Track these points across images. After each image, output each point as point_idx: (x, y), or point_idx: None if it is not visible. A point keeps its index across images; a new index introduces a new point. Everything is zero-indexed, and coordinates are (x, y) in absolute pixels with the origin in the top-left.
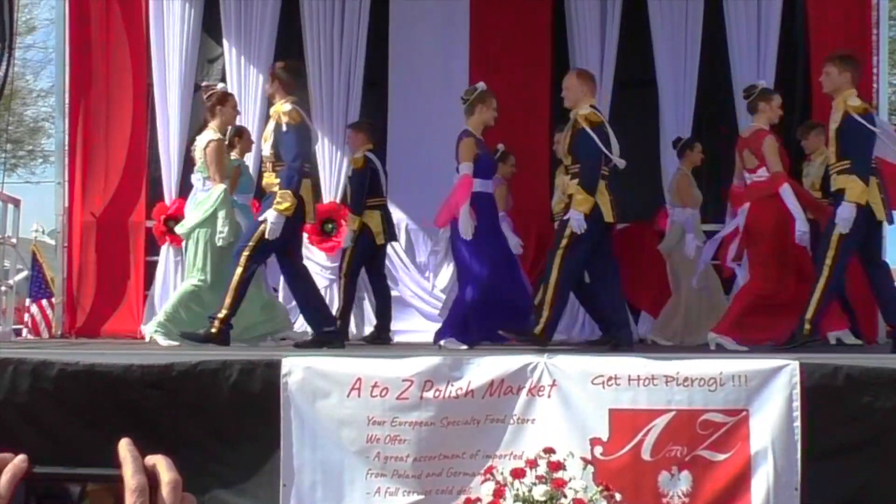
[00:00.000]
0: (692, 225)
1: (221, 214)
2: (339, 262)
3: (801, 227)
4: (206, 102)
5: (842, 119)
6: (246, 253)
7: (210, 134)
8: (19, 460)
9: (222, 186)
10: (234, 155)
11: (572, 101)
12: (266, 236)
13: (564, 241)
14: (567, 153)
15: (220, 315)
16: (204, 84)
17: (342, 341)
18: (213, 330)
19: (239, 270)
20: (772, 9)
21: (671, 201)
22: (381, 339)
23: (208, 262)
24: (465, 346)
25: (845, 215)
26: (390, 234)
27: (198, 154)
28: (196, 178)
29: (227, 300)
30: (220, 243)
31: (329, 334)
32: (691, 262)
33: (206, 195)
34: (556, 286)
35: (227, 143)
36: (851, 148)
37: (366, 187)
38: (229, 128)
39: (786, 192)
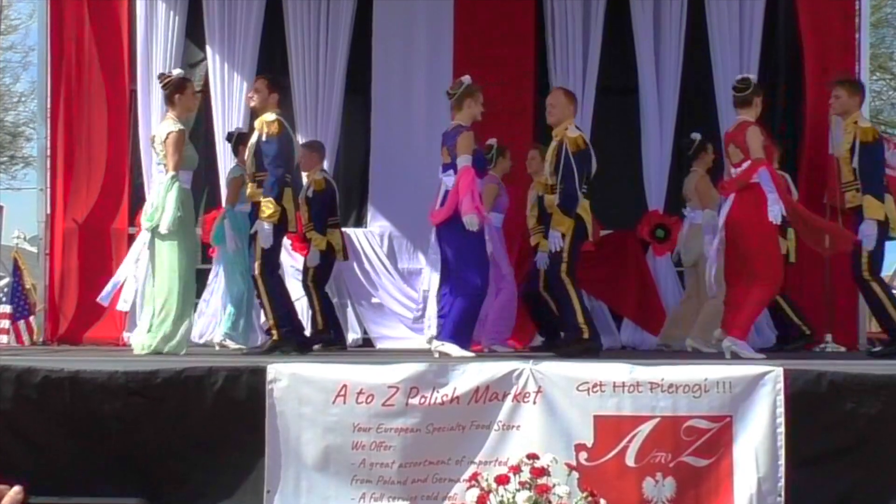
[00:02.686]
0: (714, 225)
1: (169, 199)
2: (303, 277)
3: (773, 204)
4: (164, 91)
5: (853, 140)
6: (258, 272)
7: (170, 125)
8: (15, 492)
9: (172, 174)
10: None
11: (556, 119)
12: (262, 246)
13: (566, 257)
14: (553, 173)
15: (270, 323)
16: (160, 73)
17: (310, 348)
18: (275, 337)
19: (263, 289)
20: (755, 13)
21: (690, 205)
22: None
23: (166, 255)
24: (470, 354)
25: (868, 232)
26: (344, 252)
27: (157, 145)
28: (158, 170)
29: (267, 311)
30: (162, 230)
31: (292, 342)
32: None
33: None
34: (578, 300)
35: (235, 145)
36: (866, 169)
37: (327, 209)
38: (234, 132)
39: (762, 173)
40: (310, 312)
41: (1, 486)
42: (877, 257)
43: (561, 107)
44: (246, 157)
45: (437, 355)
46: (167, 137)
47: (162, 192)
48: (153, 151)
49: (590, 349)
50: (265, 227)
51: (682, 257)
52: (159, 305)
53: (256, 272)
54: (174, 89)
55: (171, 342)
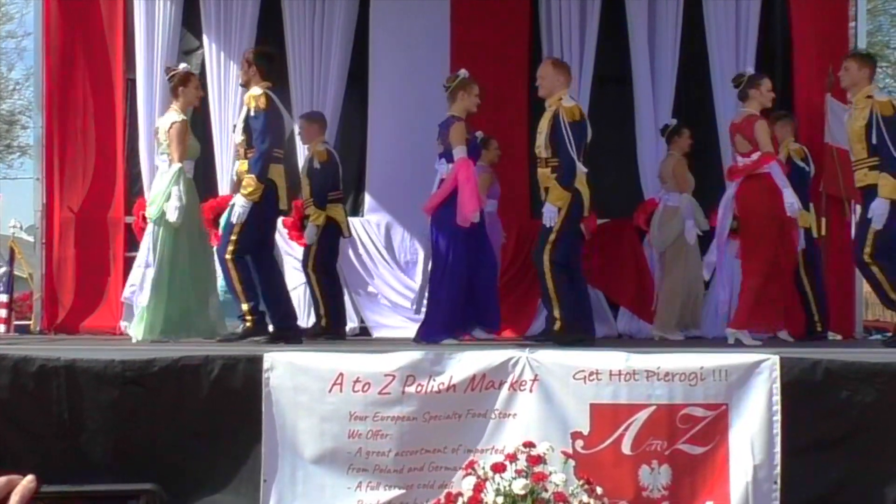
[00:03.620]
0: (692, 210)
1: (174, 191)
2: (304, 259)
3: (790, 198)
4: (169, 83)
5: (870, 115)
6: (229, 250)
7: (173, 115)
8: (28, 481)
9: (178, 165)
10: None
11: (547, 91)
12: (233, 221)
13: (555, 236)
14: (548, 145)
15: (244, 308)
16: (166, 66)
17: (300, 337)
18: (248, 325)
19: (229, 266)
20: (751, 1)
21: (665, 188)
22: (333, 333)
23: (162, 243)
24: (453, 341)
25: (880, 211)
26: (348, 229)
27: (161, 135)
28: (161, 161)
29: (241, 297)
30: (170, 219)
31: (285, 330)
32: (685, 250)
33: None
34: (555, 284)
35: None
36: (883, 145)
37: (330, 181)
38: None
39: (773, 167)
40: (311, 300)
41: (13, 476)
42: (885, 239)
43: (550, 77)
44: (234, 135)
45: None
46: (170, 128)
47: (167, 183)
48: (156, 142)
49: (570, 341)
50: (242, 203)
51: (654, 240)
52: (162, 293)
53: (228, 255)
54: (179, 82)
55: (168, 327)
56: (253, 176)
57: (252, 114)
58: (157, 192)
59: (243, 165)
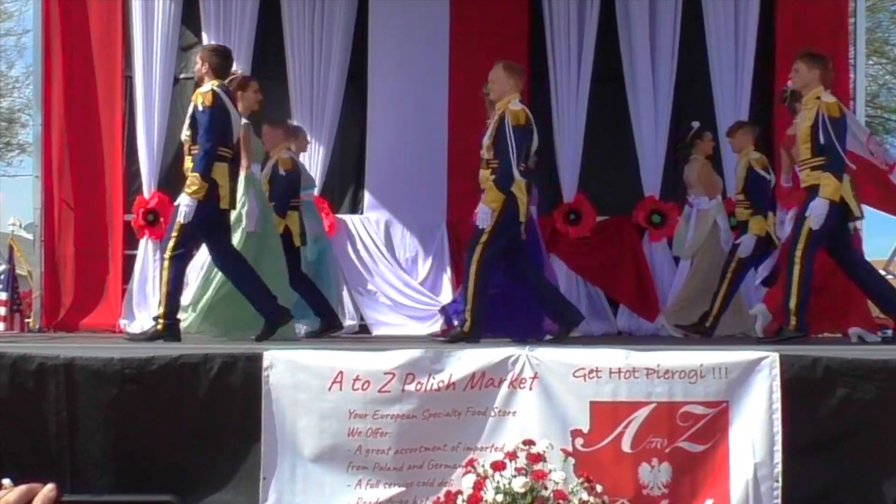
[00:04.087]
0: (724, 215)
1: (245, 200)
2: None
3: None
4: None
5: (815, 117)
6: (170, 245)
7: None
8: (48, 489)
9: (245, 174)
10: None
11: (497, 94)
12: (181, 221)
13: (487, 237)
14: (490, 147)
15: (160, 311)
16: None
17: (179, 336)
18: (158, 328)
19: (165, 265)
20: (751, 1)
21: (693, 192)
22: (331, 330)
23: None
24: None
25: (819, 211)
26: (303, 237)
27: None
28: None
29: (162, 298)
30: (248, 229)
31: (276, 316)
32: (711, 252)
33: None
34: (476, 285)
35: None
36: (829, 146)
37: (292, 189)
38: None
39: None
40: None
41: (34, 485)
42: (817, 239)
43: (500, 82)
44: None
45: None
46: None
47: (241, 190)
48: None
49: (465, 340)
50: (187, 202)
51: (684, 244)
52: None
53: (168, 253)
54: (237, 87)
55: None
56: (197, 174)
57: (200, 109)
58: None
59: (189, 163)
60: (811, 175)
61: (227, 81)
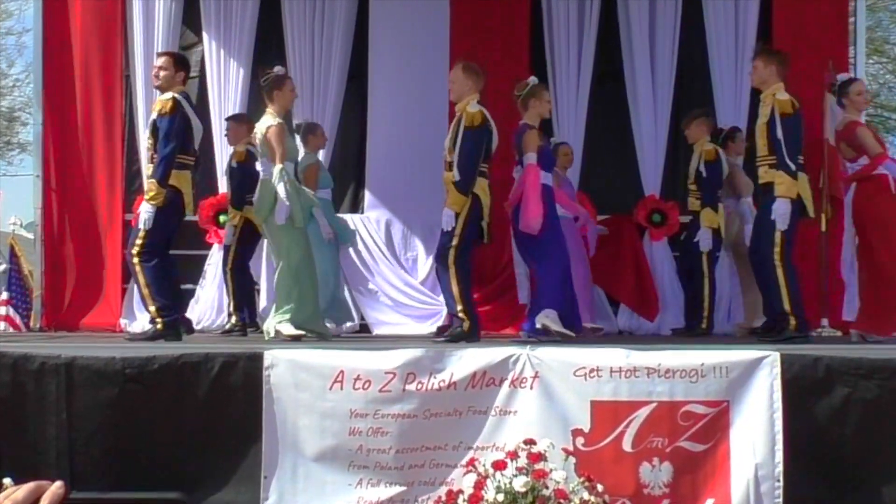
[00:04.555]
0: (750, 215)
1: (278, 193)
2: (224, 257)
3: None
4: (263, 86)
5: (770, 113)
6: (134, 251)
7: (269, 119)
8: (56, 487)
9: (279, 166)
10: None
11: (457, 95)
12: (140, 227)
13: (456, 240)
14: (452, 149)
15: (152, 311)
16: (260, 68)
17: (180, 334)
18: (158, 326)
19: (141, 276)
20: (751, 1)
21: (721, 193)
22: (239, 331)
23: (283, 244)
24: (570, 333)
25: (782, 210)
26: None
27: (259, 140)
28: (262, 165)
29: (147, 299)
30: (277, 222)
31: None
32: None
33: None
34: (461, 290)
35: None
36: (778, 144)
37: (248, 182)
38: (302, 123)
39: (889, 166)
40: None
41: (42, 482)
42: (789, 239)
43: (459, 82)
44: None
45: (539, 326)
46: (268, 132)
47: (272, 186)
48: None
49: (467, 339)
50: (147, 209)
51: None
52: (282, 292)
53: (134, 259)
54: (273, 85)
55: (292, 323)
56: (154, 181)
57: (160, 117)
58: (261, 196)
59: (149, 169)
60: (767, 172)
61: (261, 80)
